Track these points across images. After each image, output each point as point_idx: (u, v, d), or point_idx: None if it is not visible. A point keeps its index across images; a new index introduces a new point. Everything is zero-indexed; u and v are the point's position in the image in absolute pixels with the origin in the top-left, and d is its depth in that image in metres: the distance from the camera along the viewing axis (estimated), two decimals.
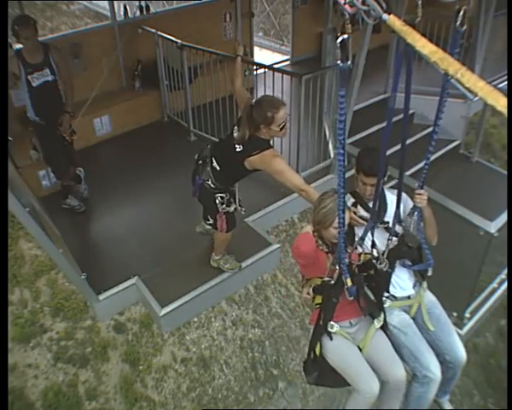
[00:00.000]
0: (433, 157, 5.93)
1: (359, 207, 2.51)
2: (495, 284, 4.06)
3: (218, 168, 3.01)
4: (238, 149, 2.86)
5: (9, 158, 3.35)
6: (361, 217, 2.44)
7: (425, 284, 2.55)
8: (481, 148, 6.48)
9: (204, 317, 6.88)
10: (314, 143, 4.53)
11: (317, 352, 2.35)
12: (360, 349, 2.35)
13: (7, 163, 2.01)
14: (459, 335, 3.74)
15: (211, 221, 3.23)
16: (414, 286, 2.57)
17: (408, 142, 2.16)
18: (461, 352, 2.52)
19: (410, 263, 2.50)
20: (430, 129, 2.10)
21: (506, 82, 5.96)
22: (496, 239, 3.37)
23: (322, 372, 2.39)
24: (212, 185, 3.06)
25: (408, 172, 4.22)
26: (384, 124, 2.07)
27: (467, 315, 3.75)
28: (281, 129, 2.80)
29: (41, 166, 4.35)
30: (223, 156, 3.01)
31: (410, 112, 5.34)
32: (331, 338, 2.32)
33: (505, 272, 4.07)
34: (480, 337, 7.81)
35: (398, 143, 2.01)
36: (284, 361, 7.02)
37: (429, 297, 2.60)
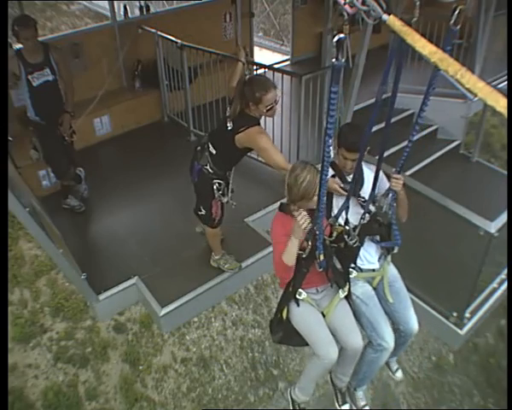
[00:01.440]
0: (433, 157, 5.95)
1: (337, 179, 2.56)
2: (495, 284, 4.06)
3: (214, 152, 3.08)
4: (229, 127, 2.94)
5: (9, 158, 3.35)
6: (342, 188, 2.50)
7: (389, 258, 2.64)
8: (481, 148, 6.48)
9: (204, 317, 6.88)
10: (314, 143, 4.53)
11: (284, 315, 2.48)
12: (323, 316, 2.48)
13: (7, 163, 2.01)
14: (459, 335, 3.78)
15: (203, 212, 3.26)
16: (379, 259, 2.65)
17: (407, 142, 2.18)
18: (414, 324, 2.65)
19: (378, 239, 2.57)
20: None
21: (506, 82, 5.96)
22: (496, 239, 3.37)
23: (286, 333, 2.54)
24: (210, 170, 3.12)
25: (408, 173, 4.23)
26: (384, 124, 2.09)
27: (467, 315, 3.74)
28: (268, 110, 2.87)
29: (41, 166, 4.35)
30: (218, 139, 3.09)
31: (410, 112, 5.34)
32: (298, 304, 2.43)
33: (505, 272, 4.07)
34: (480, 337, 7.81)
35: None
36: (284, 361, 7.02)
37: (392, 271, 2.69)
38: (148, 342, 6.37)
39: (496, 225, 3.41)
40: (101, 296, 3.37)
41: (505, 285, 4.07)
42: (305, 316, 2.46)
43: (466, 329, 3.78)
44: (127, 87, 5.76)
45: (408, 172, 3.94)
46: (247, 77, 2.93)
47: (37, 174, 4.41)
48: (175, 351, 6.52)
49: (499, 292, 4.06)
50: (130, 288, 3.49)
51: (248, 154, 4.83)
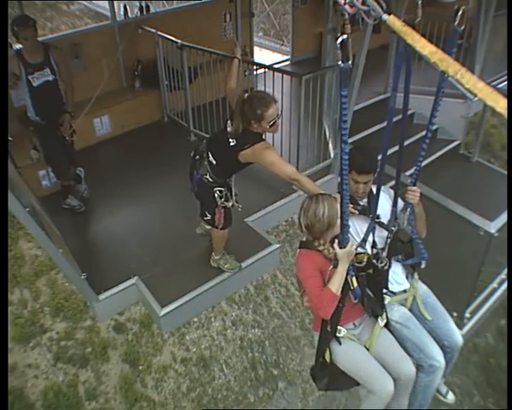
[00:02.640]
0: (433, 157, 5.97)
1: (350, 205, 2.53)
2: (495, 284, 4.06)
3: (214, 162, 3.05)
4: (232, 144, 2.89)
5: (9, 158, 3.35)
6: (354, 208, 2.47)
7: (416, 275, 2.59)
8: (481, 148, 6.49)
9: (204, 317, 6.87)
10: (314, 143, 4.53)
11: (327, 358, 2.35)
12: (367, 349, 2.37)
13: (7, 163, 2.01)
14: None
15: (208, 217, 3.24)
16: (407, 278, 2.61)
17: (408, 142, 2.18)
18: (457, 336, 2.58)
19: (403, 257, 2.54)
20: (427, 128, 2.12)
21: (506, 82, 5.96)
22: (496, 239, 3.37)
23: (332, 377, 2.40)
24: (210, 179, 3.09)
25: (407, 173, 4.22)
26: (384, 124, 2.08)
27: (467, 315, 3.75)
28: (270, 126, 2.82)
29: (41, 166, 4.34)
30: (218, 151, 3.04)
31: (410, 112, 5.34)
32: (340, 343, 2.32)
33: (505, 272, 4.08)
34: (480, 337, 7.81)
35: (397, 142, 2.02)
36: (284, 361, 7.02)
37: (422, 288, 2.65)
38: (148, 342, 6.37)
39: (496, 225, 3.42)
40: (101, 296, 3.37)
41: (505, 285, 4.08)
42: (350, 353, 2.34)
43: (466, 329, 3.79)
44: (127, 87, 5.75)
45: (408, 173, 3.93)
46: (246, 95, 2.89)
47: (37, 174, 4.41)
48: (175, 351, 6.52)
49: (499, 292, 4.07)
50: (130, 288, 3.48)
51: None
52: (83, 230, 4.15)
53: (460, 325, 3.76)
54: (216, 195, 3.10)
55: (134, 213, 4.24)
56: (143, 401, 6.00)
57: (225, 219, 3.25)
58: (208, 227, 3.53)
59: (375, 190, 2.56)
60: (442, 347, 2.52)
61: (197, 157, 3.14)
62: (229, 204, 3.21)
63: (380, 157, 2.19)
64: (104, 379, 5.90)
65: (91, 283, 3.29)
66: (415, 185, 2.32)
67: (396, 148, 2.07)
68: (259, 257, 3.73)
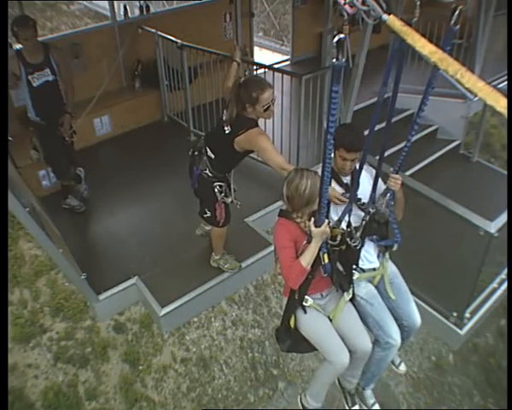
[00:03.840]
0: (433, 157, 5.95)
1: (333, 182, 2.54)
2: (495, 284, 4.06)
3: (212, 156, 3.07)
4: (227, 131, 2.92)
5: (9, 158, 3.35)
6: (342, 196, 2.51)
7: (387, 255, 2.65)
8: (481, 148, 6.49)
9: (204, 317, 6.88)
10: (314, 143, 4.53)
11: (292, 324, 2.46)
12: (330, 320, 2.47)
13: (7, 163, 2.01)
14: (459, 335, 3.78)
15: (208, 214, 3.25)
16: (377, 257, 2.67)
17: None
18: (417, 318, 2.68)
19: (377, 238, 2.59)
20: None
21: (506, 82, 5.96)
22: (496, 239, 3.37)
23: (294, 341, 2.53)
24: (209, 174, 3.11)
25: (408, 173, 4.23)
26: (384, 124, 2.09)
27: (467, 315, 3.75)
28: (265, 110, 2.85)
29: (41, 167, 4.35)
30: (215, 143, 3.07)
31: (410, 112, 5.34)
32: (305, 312, 2.42)
33: (505, 272, 4.07)
34: (480, 337, 7.81)
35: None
36: (284, 361, 7.02)
37: (391, 268, 2.71)
38: (147, 342, 6.37)
39: (496, 225, 3.41)
40: (101, 296, 3.37)
41: (505, 285, 4.07)
42: (313, 323, 2.45)
43: (466, 329, 3.78)
44: (127, 87, 5.75)
45: (408, 172, 3.94)
46: (242, 79, 2.91)
47: (37, 174, 4.41)
48: (175, 351, 6.52)
49: (499, 292, 4.06)
50: (130, 288, 3.49)
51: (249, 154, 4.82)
52: (83, 230, 4.15)
53: (460, 325, 3.75)
54: (216, 190, 3.13)
55: (134, 213, 4.24)
56: (143, 401, 6.00)
57: (226, 215, 3.26)
58: (208, 228, 3.53)
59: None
60: (400, 325, 2.64)
61: (196, 153, 3.16)
62: (229, 200, 3.23)
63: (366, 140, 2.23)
64: (104, 379, 5.90)
65: (91, 283, 3.29)
66: (397, 173, 2.38)
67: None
68: (259, 257, 3.73)
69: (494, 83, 5.82)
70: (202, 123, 4.99)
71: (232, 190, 3.27)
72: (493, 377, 7.64)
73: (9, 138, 3.06)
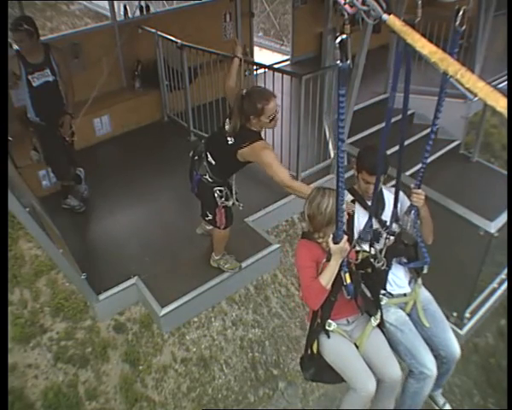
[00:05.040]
0: (433, 157, 5.94)
1: (357, 205, 2.51)
2: (495, 284, 4.06)
3: (213, 162, 3.04)
4: (230, 142, 2.89)
5: (9, 158, 3.35)
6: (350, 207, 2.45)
7: (420, 281, 2.57)
8: (481, 148, 6.48)
9: (204, 317, 6.87)
10: (314, 143, 4.53)
11: (315, 349, 2.38)
12: (357, 347, 2.37)
13: (7, 163, 2.01)
14: (459, 335, 3.77)
15: (210, 217, 3.23)
16: (409, 283, 2.58)
17: (408, 142, 2.17)
18: (455, 347, 2.53)
19: (406, 260, 2.51)
20: (430, 129, 2.12)
21: (506, 82, 5.96)
22: (496, 239, 3.37)
23: (318, 369, 2.43)
24: (209, 179, 3.08)
25: (407, 173, 4.23)
26: (384, 124, 2.08)
27: (467, 315, 3.75)
28: (270, 120, 2.82)
29: (41, 167, 4.35)
30: (216, 150, 3.04)
31: (410, 112, 5.34)
32: (328, 336, 2.34)
33: (505, 272, 4.07)
34: (480, 337, 7.80)
35: (397, 142, 2.02)
36: (284, 361, 7.01)
37: (424, 294, 2.62)
38: (148, 342, 6.36)
39: (496, 225, 3.41)
40: (101, 296, 3.37)
41: (505, 285, 4.08)
42: (337, 348, 2.36)
43: (466, 329, 3.78)
44: (127, 87, 5.75)
45: (408, 172, 3.93)
46: (245, 91, 2.87)
47: (37, 174, 4.41)
48: (175, 351, 6.52)
49: (499, 292, 4.07)
50: (130, 288, 3.49)
51: None
52: (83, 230, 4.15)
53: (460, 325, 3.75)
54: (216, 194, 3.10)
55: (134, 213, 4.24)
56: (143, 401, 6.00)
57: (226, 219, 3.24)
58: (209, 227, 3.52)
59: (384, 192, 2.55)
60: (438, 356, 2.49)
61: (196, 158, 3.13)
62: (230, 203, 3.20)
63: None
64: (104, 379, 5.90)
65: (91, 283, 3.29)
66: (419, 188, 2.29)
67: (396, 148, 2.07)
68: (259, 257, 3.73)
69: (494, 83, 5.83)
70: (202, 123, 4.99)
71: (234, 192, 3.25)
72: (493, 377, 7.63)
73: (9, 138, 3.06)
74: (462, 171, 5.93)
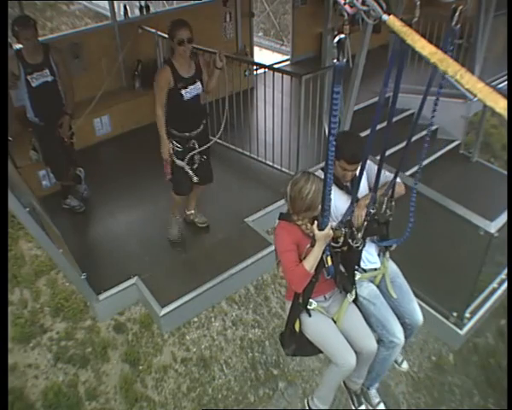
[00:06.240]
0: (433, 157, 5.92)
1: (334, 186, 2.52)
2: (495, 284, 4.05)
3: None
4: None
5: (9, 158, 3.35)
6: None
7: (388, 254, 2.66)
8: (481, 148, 6.49)
9: (204, 317, 6.88)
10: (314, 143, 4.53)
11: (297, 328, 2.45)
12: (334, 322, 2.47)
13: (7, 163, 2.01)
14: (459, 335, 3.77)
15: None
16: (378, 257, 2.68)
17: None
18: (419, 316, 2.69)
19: (379, 239, 2.60)
20: (432, 128, 2.13)
21: (506, 82, 5.96)
22: (496, 239, 3.36)
23: (299, 345, 2.52)
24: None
25: (408, 173, 4.23)
26: (384, 124, 2.09)
27: (467, 315, 3.74)
28: (179, 44, 3.37)
29: (41, 167, 4.34)
30: None
31: (410, 112, 5.34)
32: (310, 315, 2.42)
33: (505, 272, 4.07)
34: (480, 337, 7.81)
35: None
36: (284, 361, 7.02)
37: (392, 267, 2.72)
38: (148, 342, 6.37)
39: (496, 225, 3.40)
40: (101, 296, 3.37)
41: (505, 285, 4.07)
42: (318, 326, 2.45)
43: (466, 329, 3.78)
44: (127, 87, 5.75)
45: (408, 172, 3.93)
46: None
47: (37, 174, 4.41)
48: (175, 351, 6.52)
49: (499, 292, 4.06)
50: (130, 288, 3.49)
51: (249, 154, 4.83)
52: (83, 230, 4.15)
53: (460, 325, 3.75)
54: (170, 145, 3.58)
55: (134, 213, 4.24)
56: (143, 401, 6.01)
57: (173, 175, 3.63)
58: (189, 212, 3.86)
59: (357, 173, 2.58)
60: (403, 324, 2.65)
61: None
62: (181, 163, 3.57)
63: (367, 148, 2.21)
64: (104, 379, 5.90)
65: (91, 283, 3.29)
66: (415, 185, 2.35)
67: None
68: (259, 257, 3.72)
69: (494, 83, 5.83)
70: None
71: (195, 162, 3.58)
72: (493, 377, 7.64)
73: (9, 138, 3.06)
74: (462, 171, 5.93)
